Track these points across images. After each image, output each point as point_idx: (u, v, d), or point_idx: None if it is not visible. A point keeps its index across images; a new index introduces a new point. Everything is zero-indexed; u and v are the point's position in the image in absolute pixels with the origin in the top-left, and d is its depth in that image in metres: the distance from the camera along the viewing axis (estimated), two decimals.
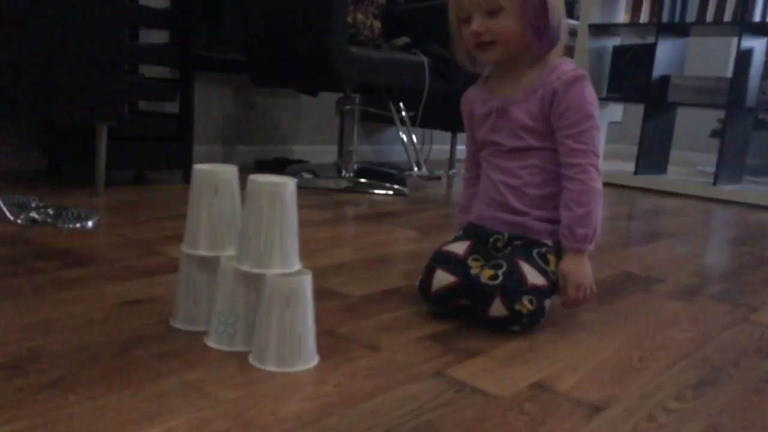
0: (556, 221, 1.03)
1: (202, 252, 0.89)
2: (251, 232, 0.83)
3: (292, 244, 0.84)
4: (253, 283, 0.84)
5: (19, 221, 1.45)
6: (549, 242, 1.03)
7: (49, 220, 1.47)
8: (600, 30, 3.12)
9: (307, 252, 1.40)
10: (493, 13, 0.98)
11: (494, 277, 0.96)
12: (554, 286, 1.01)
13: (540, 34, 0.98)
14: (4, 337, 0.84)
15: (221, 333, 0.85)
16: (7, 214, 1.47)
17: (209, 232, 0.89)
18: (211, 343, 0.86)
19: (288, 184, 0.83)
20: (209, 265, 0.89)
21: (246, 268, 0.83)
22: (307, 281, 0.82)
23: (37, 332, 0.86)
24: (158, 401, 0.70)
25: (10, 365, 0.76)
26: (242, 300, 0.85)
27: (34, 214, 1.47)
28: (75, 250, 1.28)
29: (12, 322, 0.89)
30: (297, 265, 0.84)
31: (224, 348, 0.84)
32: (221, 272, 0.86)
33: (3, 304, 0.96)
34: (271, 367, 0.80)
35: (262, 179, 0.83)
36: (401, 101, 2.55)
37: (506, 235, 1.06)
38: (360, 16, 2.48)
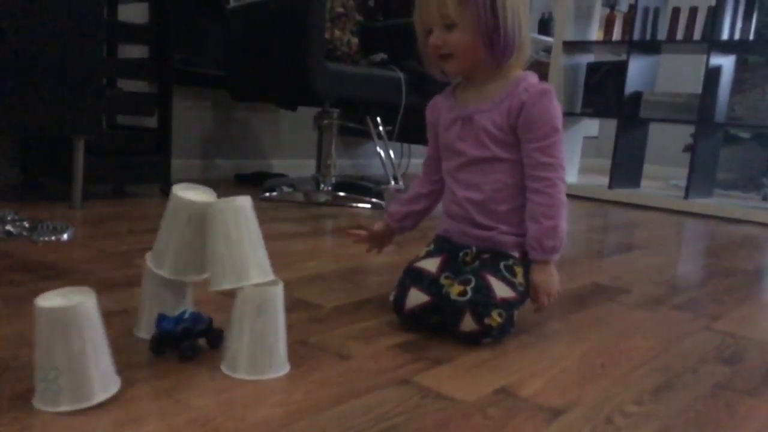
0: (521, 234, 1.06)
1: (165, 274, 0.90)
2: (223, 251, 0.84)
3: (263, 254, 0.86)
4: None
5: None
6: (516, 254, 1.06)
7: (24, 233, 1.47)
8: (574, 47, 3.20)
9: (283, 264, 1.42)
10: (449, 27, 1.01)
11: (463, 293, 0.98)
12: (522, 297, 1.04)
13: (492, 47, 1.02)
14: None
15: None
16: None
17: (175, 257, 0.90)
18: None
19: (246, 199, 0.85)
20: (174, 284, 0.92)
21: (227, 285, 0.84)
22: (278, 291, 0.84)
23: (11, 343, 0.87)
24: (129, 409, 0.71)
25: None
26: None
27: (9, 227, 1.48)
28: (50, 263, 1.29)
29: None
30: (271, 275, 0.86)
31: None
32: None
33: None
34: (242, 376, 0.81)
35: (221, 201, 0.85)
36: (378, 116, 2.59)
37: (474, 249, 1.09)
38: (337, 33, 2.52)
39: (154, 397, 0.74)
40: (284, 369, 0.84)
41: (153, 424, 0.69)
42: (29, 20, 1.71)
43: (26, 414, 0.69)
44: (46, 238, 1.45)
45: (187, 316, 0.88)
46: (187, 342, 0.86)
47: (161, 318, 0.87)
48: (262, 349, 0.82)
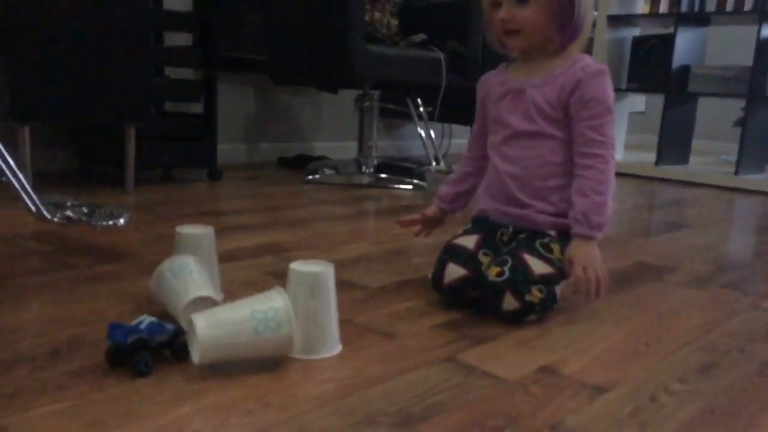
0: (557, 215, 1.06)
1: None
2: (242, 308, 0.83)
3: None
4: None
5: (55, 219, 1.52)
6: (552, 233, 1.07)
7: (83, 218, 1.54)
8: (619, 21, 3.12)
9: (327, 246, 1.46)
10: (521, 1, 1.02)
11: (501, 273, 1.00)
12: (561, 272, 1.05)
13: (563, 28, 1.03)
14: (46, 327, 0.90)
15: None
16: (45, 213, 1.54)
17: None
18: None
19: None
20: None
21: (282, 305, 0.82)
22: (330, 274, 0.87)
23: (76, 322, 0.93)
24: (188, 384, 0.76)
25: (52, 352, 0.82)
26: None
27: (69, 213, 1.55)
28: (108, 247, 1.35)
29: (52, 313, 0.96)
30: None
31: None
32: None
33: (43, 297, 1.03)
34: (297, 355, 0.84)
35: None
36: (419, 97, 2.59)
37: (511, 229, 1.10)
38: (377, 15, 2.52)
39: (209, 373, 0.78)
40: (336, 348, 0.87)
41: (211, 398, 0.73)
42: (80, 14, 1.76)
43: (97, 387, 0.73)
44: (104, 223, 1.52)
45: (143, 326, 0.78)
46: (141, 355, 0.77)
47: (113, 327, 0.78)
48: (315, 329, 0.85)
